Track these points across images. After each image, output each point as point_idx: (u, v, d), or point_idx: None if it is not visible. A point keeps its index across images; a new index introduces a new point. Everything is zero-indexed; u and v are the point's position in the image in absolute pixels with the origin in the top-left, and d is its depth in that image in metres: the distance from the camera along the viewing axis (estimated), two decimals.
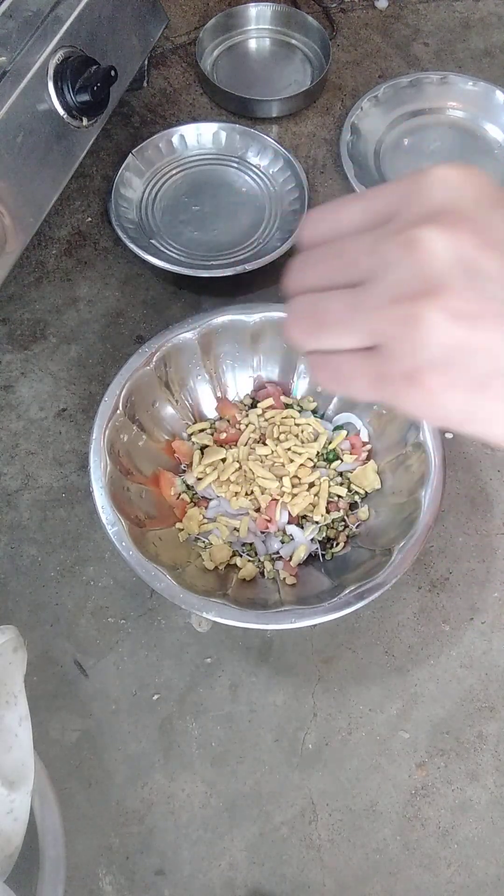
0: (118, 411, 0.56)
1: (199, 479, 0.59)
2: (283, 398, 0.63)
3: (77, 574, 0.60)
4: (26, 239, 0.62)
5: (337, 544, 0.58)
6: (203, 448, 0.61)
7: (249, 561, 0.58)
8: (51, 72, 0.59)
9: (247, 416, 0.62)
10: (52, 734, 0.55)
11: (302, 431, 0.61)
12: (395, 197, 0.26)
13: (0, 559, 0.60)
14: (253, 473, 0.58)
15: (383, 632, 0.58)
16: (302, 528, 0.58)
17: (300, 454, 0.59)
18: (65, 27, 0.60)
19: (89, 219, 0.75)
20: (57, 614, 0.58)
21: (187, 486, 0.60)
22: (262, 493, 0.58)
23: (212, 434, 0.62)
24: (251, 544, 0.58)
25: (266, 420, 0.61)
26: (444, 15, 0.91)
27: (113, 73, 0.62)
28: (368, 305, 0.25)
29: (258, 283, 0.72)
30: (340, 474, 0.60)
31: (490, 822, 0.53)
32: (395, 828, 0.53)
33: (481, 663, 0.58)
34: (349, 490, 0.60)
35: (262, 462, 0.59)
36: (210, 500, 0.60)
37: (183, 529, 0.58)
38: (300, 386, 0.64)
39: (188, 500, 0.60)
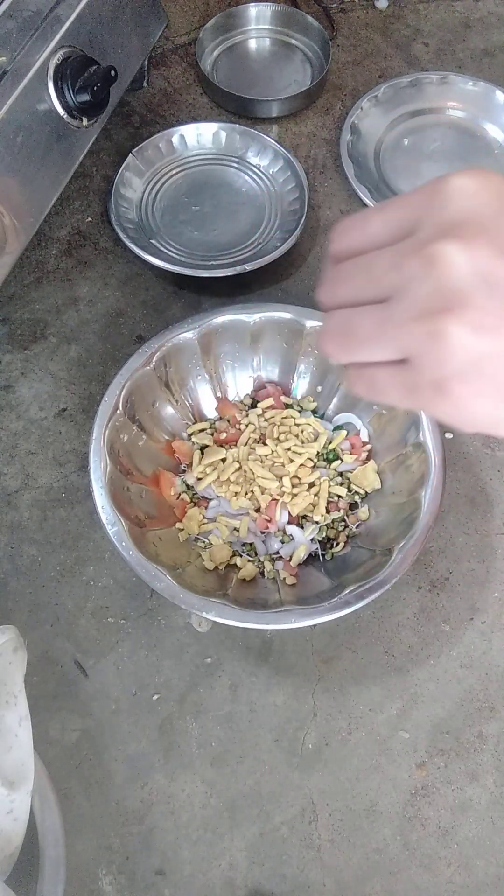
0: (118, 411, 0.56)
1: (199, 479, 0.59)
2: (283, 398, 0.63)
3: (77, 574, 0.60)
4: (26, 239, 0.62)
5: (337, 544, 0.58)
6: (203, 448, 0.61)
7: (249, 561, 0.58)
8: (51, 72, 0.59)
9: (247, 416, 0.62)
10: (52, 734, 0.55)
11: (302, 431, 0.61)
12: (415, 209, 0.26)
13: (0, 559, 0.60)
14: (253, 473, 0.58)
15: (383, 632, 0.58)
16: (302, 528, 0.58)
17: (300, 454, 0.59)
18: (65, 27, 0.60)
19: (89, 219, 0.75)
20: (57, 614, 0.58)
21: (187, 486, 0.60)
22: (262, 493, 0.58)
23: (212, 434, 0.62)
24: (251, 544, 0.58)
25: (266, 420, 0.61)
26: (444, 15, 0.91)
27: (113, 73, 0.62)
28: (395, 322, 0.26)
29: (258, 283, 0.72)
30: (340, 474, 0.60)
31: (490, 822, 0.53)
32: (395, 828, 0.53)
33: (481, 663, 0.58)
34: (349, 490, 0.60)
35: (262, 462, 0.59)
36: (210, 500, 0.60)
37: (183, 529, 0.58)
38: (300, 386, 0.64)
39: (188, 500, 0.60)
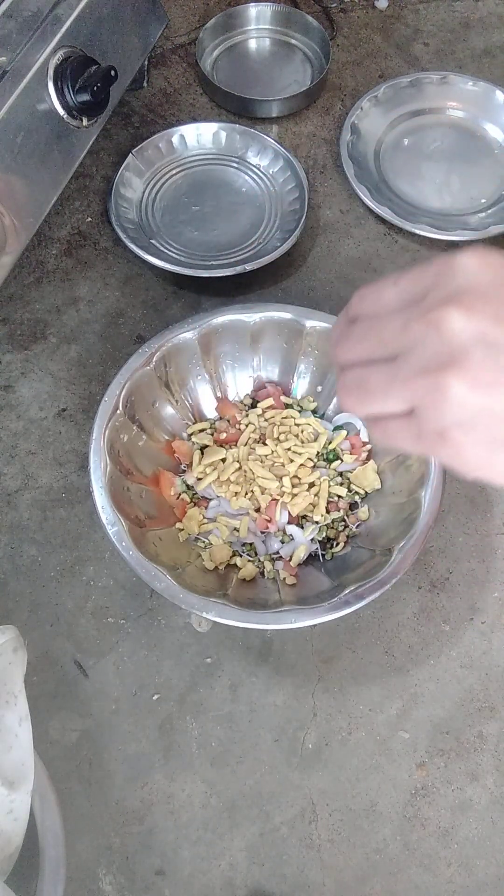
0: (118, 411, 0.56)
1: (199, 479, 0.59)
2: (283, 398, 0.63)
3: (77, 574, 0.60)
4: (26, 239, 0.62)
5: (337, 544, 0.58)
6: (203, 448, 0.61)
7: (249, 561, 0.58)
8: (51, 72, 0.59)
9: (247, 416, 0.62)
10: (52, 734, 0.55)
11: (302, 431, 0.61)
12: (425, 281, 0.30)
13: (0, 559, 0.60)
14: (253, 473, 0.58)
15: (383, 632, 0.58)
16: (302, 528, 0.58)
17: (300, 454, 0.59)
18: (65, 27, 0.60)
19: (89, 219, 0.75)
20: (57, 614, 0.58)
21: (187, 486, 0.60)
22: (262, 493, 0.58)
23: (212, 434, 0.62)
24: (251, 544, 0.58)
25: (266, 420, 0.61)
26: (444, 15, 0.91)
27: (113, 73, 0.62)
28: (402, 377, 0.29)
29: (258, 283, 0.72)
30: (340, 474, 0.60)
31: (490, 822, 0.53)
32: (395, 828, 0.53)
33: (481, 663, 0.58)
34: (349, 490, 0.60)
35: (262, 462, 0.59)
36: (210, 500, 0.60)
37: (183, 529, 0.58)
38: (300, 386, 0.64)
39: (188, 500, 0.60)
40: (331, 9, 0.90)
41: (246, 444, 0.60)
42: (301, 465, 0.59)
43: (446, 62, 0.87)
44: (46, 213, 0.63)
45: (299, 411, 0.62)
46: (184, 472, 0.61)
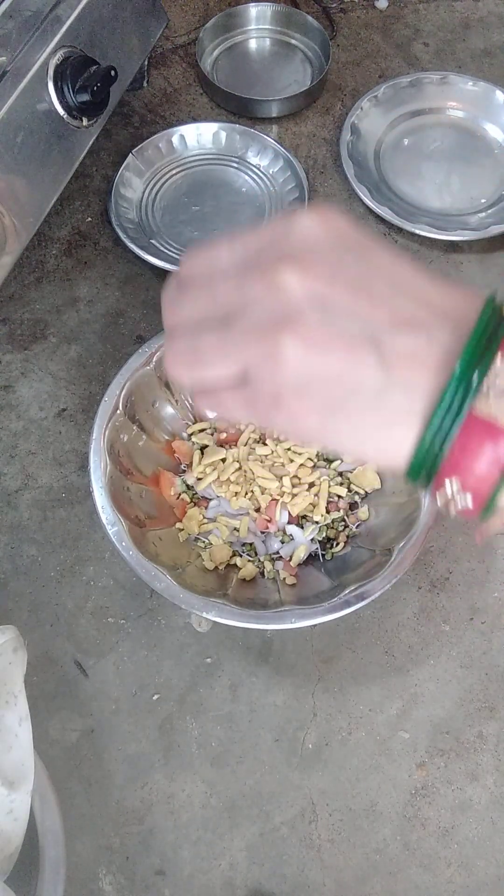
0: (118, 411, 0.56)
1: (199, 479, 0.59)
2: None
3: (77, 574, 0.60)
4: (26, 239, 0.62)
5: (337, 544, 0.58)
6: (203, 448, 0.61)
7: (249, 561, 0.58)
8: (51, 72, 0.59)
9: None
10: (52, 734, 0.55)
11: None
12: (260, 241, 0.28)
13: (0, 559, 0.60)
14: (253, 473, 0.58)
15: (383, 632, 0.58)
16: (302, 528, 0.58)
17: (300, 454, 0.59)
18: (65, 27, 0.60)
19: (89, 219, 0.75)
20: (57, 614, 0.58)
21: (187, 486, 0.60)
22: (262, 493, 0.58)
23: (212, 434, 0.62)
24: (251, 544, 0.58)
25: None
26: (444, 15, 0.91)
27: (113, 73, 0.62)
28: (235, 338, 0.27)
29: None
30: (340, 474, 0.60)
31: (490, 822, 0.53)
32: (395, 828, 0.53)
33: (481, 663, 0.58)
34: (349, 490, 0.60)
35: (262, 462, 0.59)
36: (210, 500, 0.60)
37: (183, 529, 0.58)
38: None
39: (188, 500, 0.60)
40: (331, 9, 0.90)
41: (246, 444, 0.60)
42: (301, 465, 0.59)
43: (446, 62, 0.87)
44: (46, 213, 0.63)
45: None
46: (184, 472, 0.61)
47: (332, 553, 0.58)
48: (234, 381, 0.28)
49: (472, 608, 0.59)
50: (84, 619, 0.58)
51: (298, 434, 0.28)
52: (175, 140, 0.77)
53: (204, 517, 0.59)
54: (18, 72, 0.57)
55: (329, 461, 0.60)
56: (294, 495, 0.58)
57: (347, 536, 0.59)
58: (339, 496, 0.59)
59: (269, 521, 0.58)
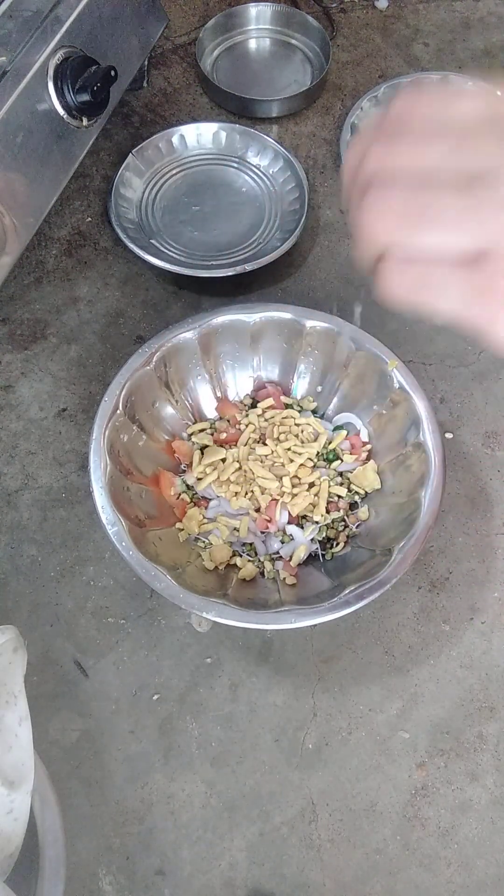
0: (118, 411, 0.56)
1: (199, 479, 0.59)
2: (283, 398, 0.63)
3: (77, 574, 0.60)
4: (26, 239, 0.62)
5: (337, 544, 0.58)
6: (203, 448, 0.61)
7: (249, 561, 0.58)
8: (51, 72, 0.59)
9: (247, 416, 0.62)
10: (52, 734, 0.55)
11: (302, 431, 0.61)
12: (474, 110, 0.24)
13: (0, 559, 0.60)
14: (253, 473, 0.58)
15: (383, 632, 0.58)
16: (302, 528, 0.58)
17: (300, 454, 0.59)
18: (65, 27, 0.60)
19: (89, 219, 0.75)
20: (57, 614, 0.58)
21: (187, 486, 0.60)
22: (262, 493, 0.58)
23: (212, 434, 0.62)
24: (251, 544, 0.58)
25: (266, 420, 0.61)
26: (444, 15, 0.91)
27: (113, 73, 0.62)
28: (484, 206, 0.22)
29: (258, 283, 0.72)
30: (340, 474, 0.60)
31: (490, 822, 0.53)
32: (395, 828, 0.53)
33: (481, 663, 0.58)
34: (349, 490, 0.60)
35: (262, 462, 0.59)
36: (210, 500, 0.60)
37: (183, 529, 0.58)
38: (300, 386, 0.64)
39: (188, 500, 0.60)
40: (331, 9, 0.90)
41: (246, 444, 0.60)
42: (301, 465, 0.59)
43: (446, 62, 0.87)
44: (46, 213, 0.63)
45: (299, 411, 0.62)
46: (184, 472, 0.61)
47: (332, 553, 0.58)
48: (463, 257, 0.23)
49: (472, 608, 0.59)
50: (84, 619, 0.58)
51: None
52: (175, 140, 0.77)
53: (204, 517, 0.59)
54: (18, 72, 0.57)
55: (329, 461, 0.61)
56: (294, 495, 0.58)
57: (347, 536, 0.59)
58: (339, 496, 0.59)
59: (269, 521, 0.58)
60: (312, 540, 0.58)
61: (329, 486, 0.59)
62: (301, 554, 0.57)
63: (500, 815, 0.53)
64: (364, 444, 0.61)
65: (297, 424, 0.61)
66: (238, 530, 0.58)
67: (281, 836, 0.53)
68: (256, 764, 0.54)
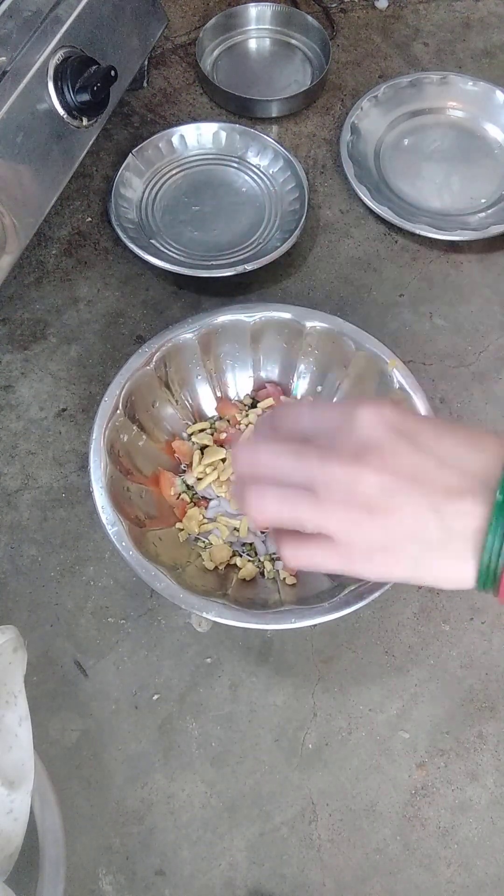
0: (118, 411, 0.56)
1: (199, 479, 0.59)
2: (283, 398, 0.63)
3: (77, 574, 0.60)
4: (26, 239, 0.62)
5: None
6: (203, 448, 0.61)
7: (249, 561, 0.58)
8: (51, 72, 0.59)
9: (247, 416, 0.62)
10: (52, 734, 0.55)
11: None
12: (334, 423, 0.35)
13: (0, 559, 0.60)
14: None
15: (383, 632, 0.58)
16: None
17: None
18: (65, 27, 0.60)
19: (89, 219, 0.75)
20: (57, 614, 0.58)
21: (187, 486, 0.60)
22: None
23: (212, 434, 0.62)
24: (251, 544, 0.58)
25: None
26: (444, 15, 0.91)
27: (113, 73, 0.62)
28: (326, 506, 0.34)
29: (258, 283, 0.72)
30: None
31: (490, 822, 0.53)
32: (395, 828, 0.53)
33: (481, 663, 0.58)
34: None
35: None
36: (210, 500, 0.60)
37: (183, 529, 0.58)
38: (300, 386, 0.64)
39: (188, 500, 0.60)
40: (331, 9, 0.90)
41: None
42: None
43: (446, 62, 0.87)
44: (46, 213, 0.63)
45: None
46: (184, 472, 0.61)
47: None
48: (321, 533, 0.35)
49: (472, 608, 0.59)
50: (84, 619, 0.58)
51: (384, 577, 0.35)
52: (175, 140, 0.77)
53: (204, 517, 0.59)
54: (18, 72, 0.57)
55: None
56: None
57: None
58: None
59: None
60: None
61: None
62: None
63: (500, 815, 0.53)
64: None
65: None
66: (238, 530, 0.58)
67: (281, 836, 0.53)
68: (256, 764, 0.54)
